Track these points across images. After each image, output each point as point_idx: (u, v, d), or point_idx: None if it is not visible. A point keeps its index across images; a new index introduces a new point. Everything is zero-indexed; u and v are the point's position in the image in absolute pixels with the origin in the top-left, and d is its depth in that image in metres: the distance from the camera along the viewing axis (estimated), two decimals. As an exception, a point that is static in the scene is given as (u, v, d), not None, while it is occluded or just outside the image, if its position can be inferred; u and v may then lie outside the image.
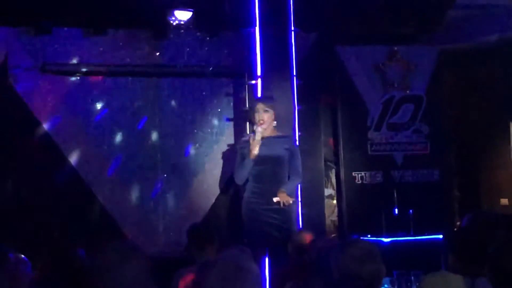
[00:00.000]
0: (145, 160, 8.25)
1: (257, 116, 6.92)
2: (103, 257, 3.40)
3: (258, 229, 6.78)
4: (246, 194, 6.94)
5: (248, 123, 7.63)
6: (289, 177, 6.99)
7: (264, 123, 6.91)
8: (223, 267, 2.95)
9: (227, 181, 8.36)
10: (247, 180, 6.99)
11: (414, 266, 5.27)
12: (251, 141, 6.86)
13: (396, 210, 8.14)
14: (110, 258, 3.37)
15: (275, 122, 7.03)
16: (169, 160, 8.33)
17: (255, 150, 6.81)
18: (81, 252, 4.32)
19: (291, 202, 6.79)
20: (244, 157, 6.92)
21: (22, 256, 5.36)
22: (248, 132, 7.90)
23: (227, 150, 8.40)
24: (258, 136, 6.82)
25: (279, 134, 7.07)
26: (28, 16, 7.73)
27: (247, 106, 7.96)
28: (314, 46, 8.56)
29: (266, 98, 7.24)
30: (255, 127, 6.93)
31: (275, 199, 6.72)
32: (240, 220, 7.02)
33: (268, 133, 6.97)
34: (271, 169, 6.88)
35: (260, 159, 6.85)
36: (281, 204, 6.72)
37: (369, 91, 8.82)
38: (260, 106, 6.96)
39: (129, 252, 3.43)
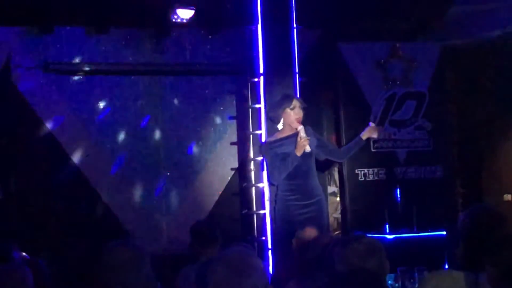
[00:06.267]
0: (148, 158, 8.26)
1: (296, 113, 6.83)
2: (114, 258, 3.40)
3: (292, 224, 6.69)
4: (281, 192, 6.90)
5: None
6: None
7: (300, 120, 6.87)
8: (228, 263, 2.94)
9: (230, 179, 8.39)
10: None
11: (418, 262, 5.29)
12: (298, 139, 6.74)
13: (399, 207, 8.16)
14: (122, 259, 3.38)
15: None
16: (172, 158, 8.34)
17: (307, 147, 6.76)
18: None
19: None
20: (283, 156, 6.83)
21: (25, 254, 5.38)
22: (251, 130, 7.94)
23: (230, 147, 8.41)
24: (303, 133, 6.76)
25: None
26: (30, 16, 7.74)
27: (249, 103, 8.00)
28: (317, 43, 8.57)
29: (300, 98, 7.17)
30: (299, 127, 6.79)
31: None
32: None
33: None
34: (306, 165, 6.88)
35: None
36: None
37: (371, 87, 8.80)
38: (297, 104, 6.88)
39: (139, 252, 3.45)
